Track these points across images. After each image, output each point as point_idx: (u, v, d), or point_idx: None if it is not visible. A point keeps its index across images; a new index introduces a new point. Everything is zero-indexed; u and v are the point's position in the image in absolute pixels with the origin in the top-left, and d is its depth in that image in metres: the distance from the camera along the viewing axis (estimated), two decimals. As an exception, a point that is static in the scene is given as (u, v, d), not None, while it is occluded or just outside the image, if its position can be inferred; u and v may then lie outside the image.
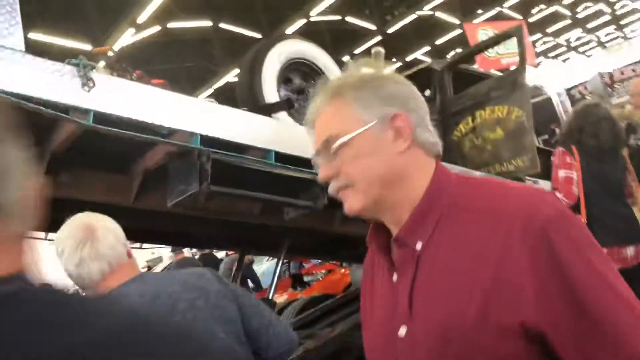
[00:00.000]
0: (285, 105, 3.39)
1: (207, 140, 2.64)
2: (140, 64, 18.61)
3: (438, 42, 21.88)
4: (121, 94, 2.40)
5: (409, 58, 22.69)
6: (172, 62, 20.22)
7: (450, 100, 4.59)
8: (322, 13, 18.29)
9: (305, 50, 3.55)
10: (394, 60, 23.00)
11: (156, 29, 18.52)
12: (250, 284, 10.50)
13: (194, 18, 18.70)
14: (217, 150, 2.62)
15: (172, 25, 18.71)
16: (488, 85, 4.32)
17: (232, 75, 19.87)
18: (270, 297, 3.68)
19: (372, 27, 20.11)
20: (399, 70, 4.64)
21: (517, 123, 4.04)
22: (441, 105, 4.62)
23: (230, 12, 19.23)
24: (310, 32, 19.90)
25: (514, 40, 4.34)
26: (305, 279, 8.12)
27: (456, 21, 20.55)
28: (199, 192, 2.55)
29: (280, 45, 3.41)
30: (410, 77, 4.03)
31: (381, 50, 4.98)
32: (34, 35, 17.00)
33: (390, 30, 20.23)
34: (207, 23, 19.31)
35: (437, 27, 21.39)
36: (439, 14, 19.96)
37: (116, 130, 2.40)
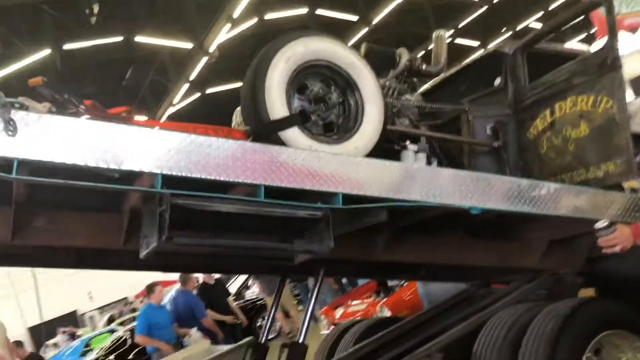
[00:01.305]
0: (297, 119, 2.85)
1: (177, 181, 2.18)
2: (241, 58, 18.89)
3: (553, 6, 19.84)
4: (57, 134, 2.01)
5: (520, 27, 20.88)
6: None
7: (524, 89, 3.78)
8: (420, -12, 17.28)
9: (324, 49, 2.97)
10: (503, 30, 21.29)
11: (253, 21, 18.51)
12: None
13: (290, 7, 18.45)
14: (183, 192, 2.16)
15: (269, 16, 18.61)
16: (569, 69, 3.47)
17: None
18: (301, 340, 3.18)
19: (478, -4, 18.69)
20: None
21: (607, 117, 3.18)
22: (514, 96, 3.82)
23: (327, -3, 18.74)
24: (410, 10, 18.91)
25: None
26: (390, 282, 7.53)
27: (573, -19, 18.53)
28: (158, 245, 2.11)
29: (290, 47, 2.87)
30: (477, 63, 3.29)
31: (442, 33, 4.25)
32: (140, 39, 17.70)
33: (496, 0, 18.66)
34: (303, 10, 18.99)
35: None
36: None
37: (49, 179, 2.02)
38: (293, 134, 2.78)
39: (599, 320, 3.31)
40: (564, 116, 3.44)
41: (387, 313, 6.97)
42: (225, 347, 5.57)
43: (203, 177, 2.21)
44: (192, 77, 18.40)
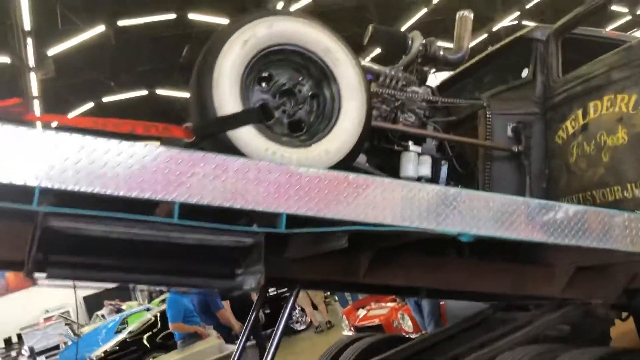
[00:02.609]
0: (252, 115, 2.36)
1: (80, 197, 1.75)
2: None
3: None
4: None
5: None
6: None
7: (556, 83, 3.12)
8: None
9: (293, 31, 2.45)
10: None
11: (307, 1, 18.03)
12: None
13: (344, -15, 17.83)
14: (64, 211, 1.72)
15: (322, -4, 18.05)
16: (608, 61, 2.80)
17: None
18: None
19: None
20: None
21: (651, 122, 2.53)
22: (543, 91, 3.18)
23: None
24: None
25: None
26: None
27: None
28: (26, 274, 1.69)
29: (248, 28, 2.36)
30: (503, 51, 2.64)
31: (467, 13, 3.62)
32: (193, 16, 17.55)
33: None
34: (357, -12, 18.31)
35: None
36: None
37: None
38: (246, 134, 2.30)
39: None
40: (599, 118, 2.79)
41: (408, 322, 6.43)
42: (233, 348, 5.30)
43: (96, 191, 1.76)
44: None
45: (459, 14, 3.62)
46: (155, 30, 17.85)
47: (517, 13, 18.11)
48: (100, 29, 16.91)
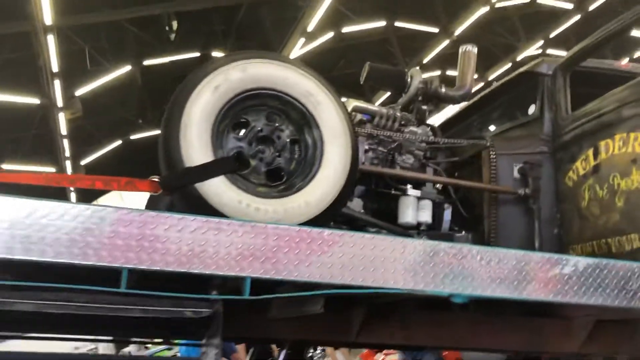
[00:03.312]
0: (228, 164, 2.19)
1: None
2: (319, 73, 18.43)
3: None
4: None
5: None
6: (353, 67, 19.62)
7: (565, 120, 2.89)
8: (507, -3, 16.02)
9: (270, 74, 2.29)
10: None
11: (329, 35, 18.09)
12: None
13: (368, 20, 17.85)
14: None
15: (346, 29, 18.11)
16: (619, 96, 2.56)
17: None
18: None
19: (569, 5, 17.04)
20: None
21: (668, 164, 2.27)
22: (551, 129, 2.94)
23: (404, 9, 18.01)
24: (496, 19, 17.67)
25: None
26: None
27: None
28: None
29: (221, 72, 2.21)
30: (509, 87, 2.42)
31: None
32: (217, 54, 17.76)
33: (591, 7, 16.96)
34: (382, 23, 18.34)
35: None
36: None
37: None
38: (217, 186, 2.13)
39: None
40: (611, 159, 2.53)
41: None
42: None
43: (33, 259, 1.60)
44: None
45: (461, 48, 3.43)
46: (181, 68, 18.11)
47: (541, 42, 17.80)
48: (126, 68, 17.26)
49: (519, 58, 17.70)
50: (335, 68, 18.64)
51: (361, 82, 3.38)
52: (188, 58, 17.76)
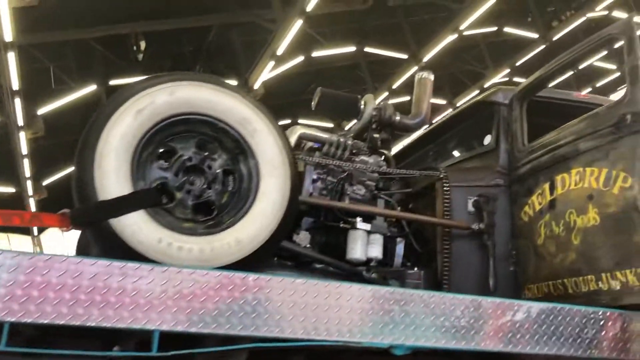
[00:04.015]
0: (148, 197, 1.98)
1: None
2: (287, 96, 18.47)
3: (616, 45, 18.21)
4: None
5: (581, 66, 19.34)
6: (323, 91, 19.60)
7: (522, 152, 2.75)
8: (473, 25, 16.20)
9: (200, 98, 2.10)
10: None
11: (299, 59, 18.05)
12: None
13: (338, 45, 17.88)
14: None
15: (315, 54, 18.09)
16: (575, 128, 2.43)
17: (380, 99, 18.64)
18: None
19: (534, 35, 17.37)
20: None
21: (624, 201, 2.13)
22: (507, 160, 2.80)
23: (374, 35, 18.13)
24: (464, 47, 17.88)
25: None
26: None
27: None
28: None
29: (144, 96, 2.01)
30: (464, 116, 2.21)
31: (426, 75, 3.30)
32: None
33: (555, 37, 17.32)
34: (351, 48, 18.40)
35: (614, 28, 17.79)
36: (616, 14, 16.51)
37: None
38: (134, 221, 1.90)
39: None
40: (568, 194, 2.39)
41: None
42: None
43: None
44: (236, 114, 18.12)
45: (417, 75, 3.31)
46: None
47: (508, 70, 18.06)
48: (92, 88, 16.89)
49: (486, 85, 17.92)
50: (305, 92, 18.58)
51: (312, 109, 3.21)
52: (154, 78, 17.52)
